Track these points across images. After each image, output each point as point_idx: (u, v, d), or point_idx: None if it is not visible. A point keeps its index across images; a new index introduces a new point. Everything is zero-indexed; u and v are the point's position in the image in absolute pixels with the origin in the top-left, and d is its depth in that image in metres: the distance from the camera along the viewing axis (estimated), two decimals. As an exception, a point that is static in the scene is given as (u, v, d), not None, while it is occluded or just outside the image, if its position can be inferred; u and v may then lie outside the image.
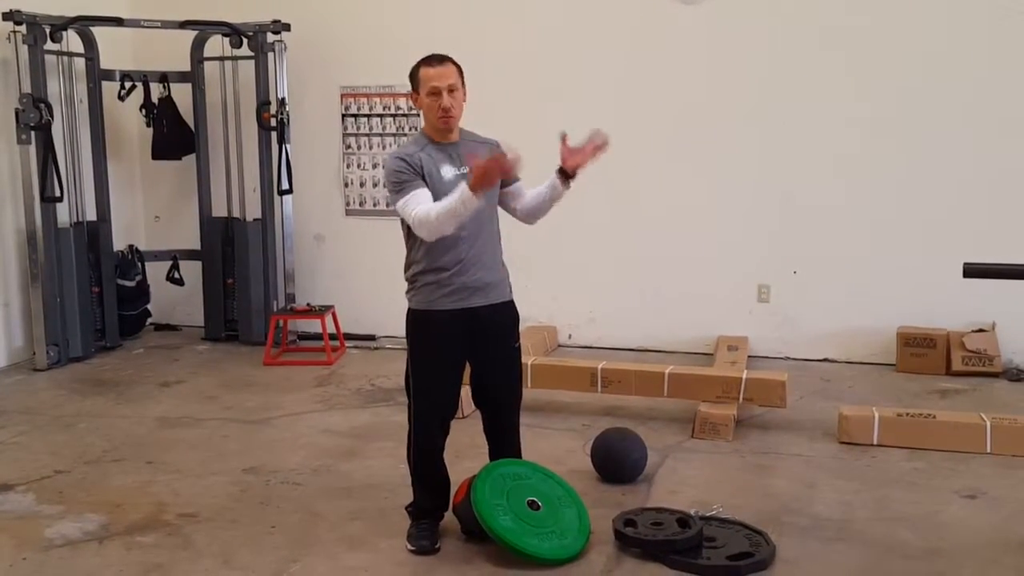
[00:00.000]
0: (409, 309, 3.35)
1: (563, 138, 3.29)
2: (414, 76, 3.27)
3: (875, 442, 4.38)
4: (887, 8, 5.68)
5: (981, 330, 5.66)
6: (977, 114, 5.61)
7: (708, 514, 3.53)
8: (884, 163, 5.78)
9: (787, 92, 5.87)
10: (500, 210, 3.44)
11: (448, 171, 3.25)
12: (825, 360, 6.01)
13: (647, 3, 6.03)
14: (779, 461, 4.25)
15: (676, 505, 3.60)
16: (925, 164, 5.72)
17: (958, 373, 5.57)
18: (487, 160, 3.06)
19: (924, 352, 5.66)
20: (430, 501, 3.46)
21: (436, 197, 3.18)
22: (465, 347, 3.34)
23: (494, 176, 3.08)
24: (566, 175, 3.30)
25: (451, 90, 3.20)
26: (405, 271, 3.37)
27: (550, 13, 6.20)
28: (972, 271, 3.07)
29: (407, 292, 3.36)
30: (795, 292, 6.04)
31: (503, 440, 3.54)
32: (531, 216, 3.46)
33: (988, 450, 4.27)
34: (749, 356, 5.81)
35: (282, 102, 6.35)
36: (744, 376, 4.69)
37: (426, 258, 3.27)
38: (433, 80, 3.20)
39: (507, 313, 3.42)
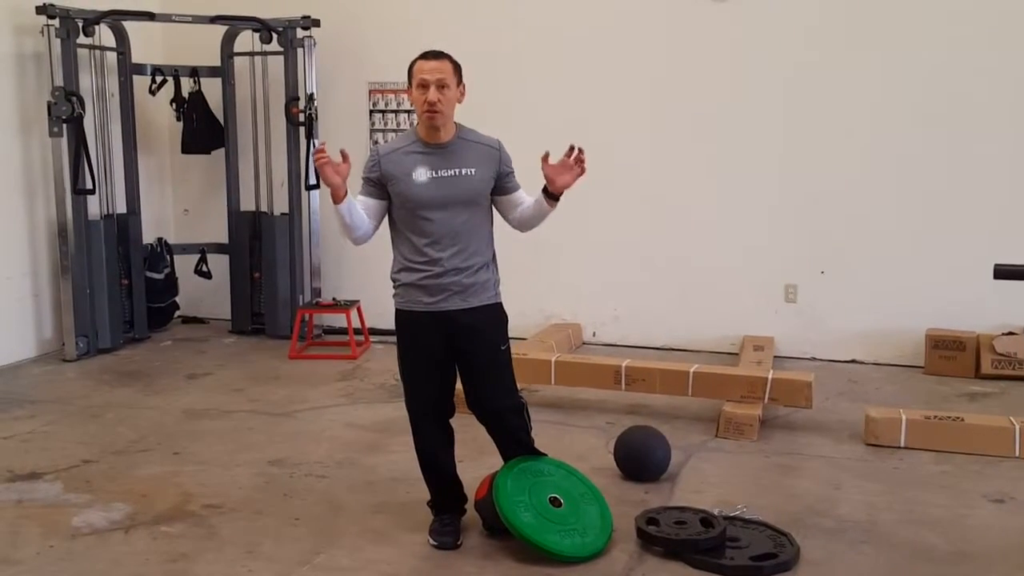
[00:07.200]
0: (395, 308, 3.33)
1: (544, 157, 3.22)
2: (410, 71, 3.23)
3: (902, 444, 4.34)
4: (923, 7, 5.61)
5: (1011, 333, 5.58)
6: (1011, 116, 5.53)
7: (732, 514, 3.52)
8: (913, 164, 5.72)
9: (814, 92, 5.81)
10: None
11: (422, 174, 3.19)
12: (852, 361, 5.96)
13: (675, 3, 6.01)
14: (804, 462, 4.22)
15: (699, 504, 3.59)
16: (955, 165, 5.65)
17: (987, 376, 5.50)
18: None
19: (953, 355, 5.60)
20: (439, 498, 3.46)
21: (405, 198, 3.20)
22: (449, 348, 3.29)
23: (325, 178, 3.12)
24: (551, 195, 3.23)
25: (440, 85, 3.13)
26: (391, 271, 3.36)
27: (584, 9, 6.18)
28: (1003, 272, 3.02)
29: (392, 291, 3.33)
30: (822, 292, 5.99)
31: (510, 448, 3.46)
32: (521, 227, 3.39)
33: (1017, 454, 4.22)
34: (775, 356, 5.77)
35: (311, 97, 6.38)
36: (769, 376, 4.65)
37: (401, 258, 3.27)
38: (423, 73, 3.15)
39: (489, 316, 3.30)
